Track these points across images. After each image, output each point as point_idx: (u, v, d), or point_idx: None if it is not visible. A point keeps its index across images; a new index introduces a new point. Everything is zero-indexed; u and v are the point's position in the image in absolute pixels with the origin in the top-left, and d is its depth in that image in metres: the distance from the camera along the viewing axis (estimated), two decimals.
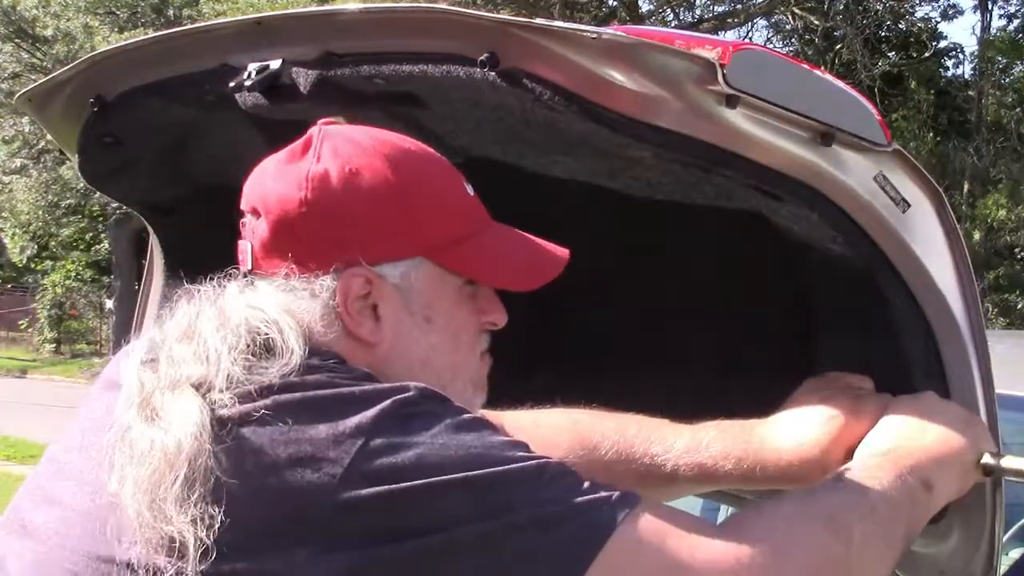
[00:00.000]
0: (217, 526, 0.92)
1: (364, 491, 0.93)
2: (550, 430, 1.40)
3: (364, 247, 1.08)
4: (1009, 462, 1.24)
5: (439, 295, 1.12)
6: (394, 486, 0.93)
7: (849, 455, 1.28)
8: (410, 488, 0.94)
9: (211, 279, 1.10)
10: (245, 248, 1.12)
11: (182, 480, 0.93)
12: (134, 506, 0.95)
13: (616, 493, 0.99)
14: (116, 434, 1.00)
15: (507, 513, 0.95)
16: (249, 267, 1.11)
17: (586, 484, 0.99)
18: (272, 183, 1.10)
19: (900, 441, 1.22)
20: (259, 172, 1.14)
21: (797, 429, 1.32)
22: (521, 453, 1.00)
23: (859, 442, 1.28)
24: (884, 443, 1.23)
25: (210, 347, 1.02)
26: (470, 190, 1.15)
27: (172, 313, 1.10)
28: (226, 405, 0.97)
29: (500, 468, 0.97)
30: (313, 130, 1.13)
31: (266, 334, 1.03)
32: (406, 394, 0.99)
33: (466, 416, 1.02)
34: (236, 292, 1.09)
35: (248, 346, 1.02)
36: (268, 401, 0.97)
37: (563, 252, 1.17)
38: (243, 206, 1.13)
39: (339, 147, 1.10)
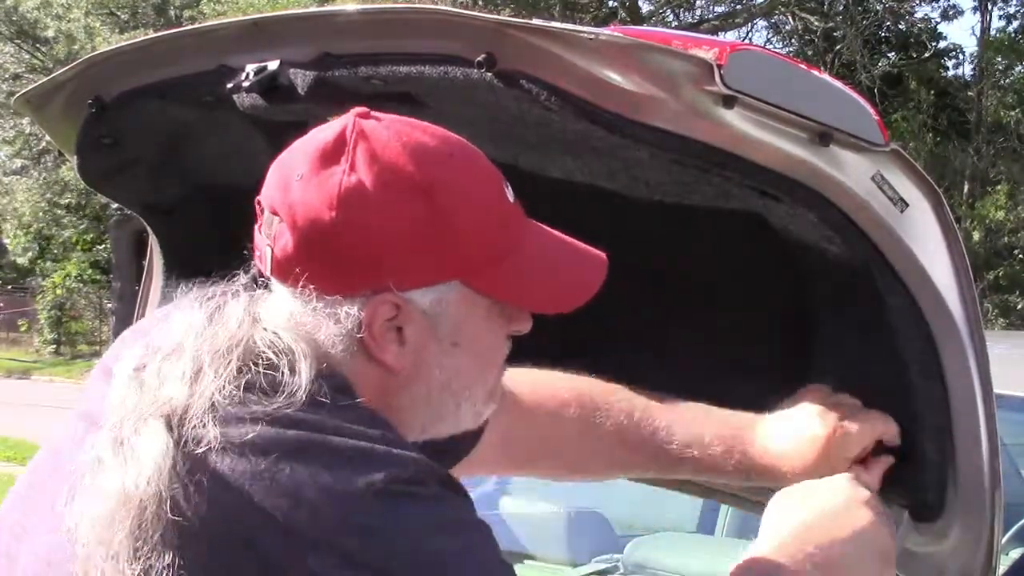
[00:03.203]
0: (172, 573, 0.86)
1: (330, 564, 0.87)
2: (552, 418, 1.38)
3: (396, 273, 0.98)
4: None
5: (469, 318, 1.03)
6: (358, 573, 0.87)
7: (837, 465, 1.33)
8: None
9: (217, 282, 1.02)
10: (263, 248, 1.02)
11: (134, 527, 0.87)
12: (83, 545, 0.89)
13: None
14: (87, 460, 0.92)
15: None
16: (268, 271, 1.02)
17: None
18: (300, 190, 0.98)
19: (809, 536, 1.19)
20: (284, 168, 1.02)
21: (793, 441, 1.36)
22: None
23: (849, 453, 1.33)
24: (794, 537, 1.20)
25: (204, 368, 0.93)
26: (510, 195, 1.06)
27: (169, 319, 1.01)
28: (205, 436, 0.89)
29: None
30: (346, 121, 1.01)
31: (271, 360, 0.94)
32: (403, 470, 0.92)
33: (461, 514, 0.95)
34: (247, 305, 1.00)
35: (249, 368, 0.94)
36: (256, 435, 0.89)
37: (601, 261, 1.10)
38: (263, 200, 1.02)
39: (376, 152, 0.98)
